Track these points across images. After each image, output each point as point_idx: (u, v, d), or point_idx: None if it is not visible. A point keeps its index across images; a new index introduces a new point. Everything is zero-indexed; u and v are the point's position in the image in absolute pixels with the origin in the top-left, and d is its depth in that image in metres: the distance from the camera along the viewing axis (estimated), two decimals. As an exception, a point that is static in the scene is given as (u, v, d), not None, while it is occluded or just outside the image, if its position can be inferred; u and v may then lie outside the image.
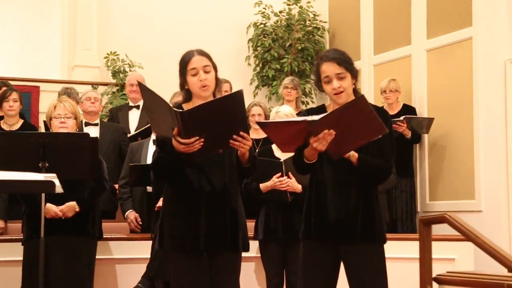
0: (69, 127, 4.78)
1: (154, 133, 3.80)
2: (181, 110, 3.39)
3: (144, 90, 3.46)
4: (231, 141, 3.47)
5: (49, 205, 4.71)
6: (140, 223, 6.11)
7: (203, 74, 3.64)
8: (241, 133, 3.46)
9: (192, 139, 3.41)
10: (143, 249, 5.55)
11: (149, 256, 5.36)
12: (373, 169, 3.52)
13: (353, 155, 3.47)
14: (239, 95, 3.40)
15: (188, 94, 3.73)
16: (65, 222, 4.70)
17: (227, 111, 3.40)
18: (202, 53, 3.70)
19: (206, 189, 3.66)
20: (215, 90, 3.74)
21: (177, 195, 3.70)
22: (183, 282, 3.67)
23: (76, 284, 4.73)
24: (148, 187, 6.10)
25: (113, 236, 5.85)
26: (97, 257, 5.62)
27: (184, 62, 3.69)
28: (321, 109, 3.64)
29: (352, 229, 3.51)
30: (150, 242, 5.40)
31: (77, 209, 4.77)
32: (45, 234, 4.62)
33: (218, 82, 3.76)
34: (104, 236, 5.86)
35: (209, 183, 3.66)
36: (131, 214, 6.14)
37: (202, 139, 3.42)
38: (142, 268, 5.37)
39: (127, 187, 6.21)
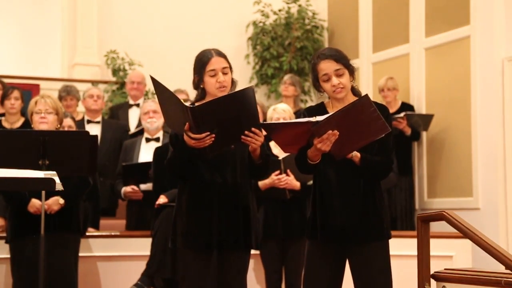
0: (50, 122, 4.77)
1: (168, 127, 3.83)
2: (191, 106, 3.40)
3: (156, 85, 3.46)
4: (242, 136, 3.48)
5: (34, 200, 4.72)
6: (136, 189, 6.02)
7: (222, 76, 3.65)
8: (253, 128, 3.47)
9: (203, 134, 3.42)
10: (143, 246, 5.56)
11: (148, 253, 5.38)
12: (376, 167, 3.50)
13: (356, 155, 3.44)
14: (250, 90, 3.41)
15: (202, 93, 3.74)
16: (49, 219, 4.61)
17: (238, 106, 3.41)
18: (220, 54, 3.71)
19: (219, 187, 3.67)
20: (231, 91, 3.73)
21: (190, 194, 3.71)
22: (192, 280, 3.68)
23: (64, 270, 4.73)
24: (141, 186, 6.11)
25: (112, 233, 5.86)
26: (96, 254, 5.66)
27: (203, 62, 3.69)
28: (320, 107, 3.60)
29: (359, 230, 3.48)
30: (150, 240, 5.42)
31: (62, 202, 4.74)
32: (31, 232, 4.64)
33: (233, 83, 3.77)
34: (103, 234, 5.88)
35: (221, 181, 3.68)
36: (127, 188, 6.05)
37: (213, 135, 3.43)
38: (141, 266, 5.38)
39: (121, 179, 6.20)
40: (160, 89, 3.47)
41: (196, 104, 3.60)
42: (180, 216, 3.72)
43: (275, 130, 3.47)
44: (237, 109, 3.42)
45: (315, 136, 3.33)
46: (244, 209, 3.72)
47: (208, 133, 3.43)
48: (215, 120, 3.41)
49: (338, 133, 3.28)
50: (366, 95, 3.30)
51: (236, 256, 3.72)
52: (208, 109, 3.40)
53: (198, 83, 3.73)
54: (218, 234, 3.65)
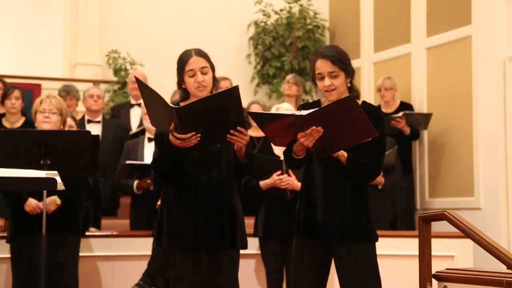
0: (53, 122, 4.75)
1: (153, 127, 3.85)
2: (176, 106, 3.41)
3: (140, 85, 3.49)
4: (228, 135, 3.50)
5: (30, 199, 4.71)
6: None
7: (200, 76, 3.67)
8: (238, 127, 3.49)
9: (189, 135, 3.44)
10: (144, 246, 5.57)
11: (150, 253, 5.38)
12: (361, 169, 3.49)
13: (342, 154, 3.44)
14: (234, 90, 3.43)
15: (185, 93, 3.75)
16: (48, 219, 4.58)
17: (223, 106, 3.43)
18: (200, 54, 3.72)
19: (204, 186, 3.68)
20: (213, 90, 3.75)
21: (175, 193, 3.72)
22: (182, 280, 3.69)
23: (64, 269, 4.73)
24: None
25: (114, 233, 5.87)
26: (97, 254, 5.66)
27: (182, 63, 3.71)
28: (316, 104, 3.61)
29: (340, 227, 3.48)
30: (151, 239, 5.41)
31: (59, 203, 4.73)
32: (31, 232, 4.64)
33: (215, 81, 3.78)
34: (105, 234, 5.89)
35: (206, 180, 3.69)
36: (139, 182, 5.96)
37: (199, 134, 3.45)
38: (143, 265, 5.39)
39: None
40: (144, 90, 3.49)
41: (181, 104, 3.61)
42: (165, 215, 3.73)
43: (262, 121, 3.46)
44: (222, 109, 3.44)
45: (299, 130, 3.34)
46: (229, 209, 3.73)
47: (194, 133, 3.45)
48: (200, 120, 3.43)
49: (322, 130, 3.30)
50: (352, 95, 3.32)
51: (225, 256, 3.73)
52: (193, 109, 3.42)
53: (180, 83, 3.75)
54: (203, 234, 3.66)
